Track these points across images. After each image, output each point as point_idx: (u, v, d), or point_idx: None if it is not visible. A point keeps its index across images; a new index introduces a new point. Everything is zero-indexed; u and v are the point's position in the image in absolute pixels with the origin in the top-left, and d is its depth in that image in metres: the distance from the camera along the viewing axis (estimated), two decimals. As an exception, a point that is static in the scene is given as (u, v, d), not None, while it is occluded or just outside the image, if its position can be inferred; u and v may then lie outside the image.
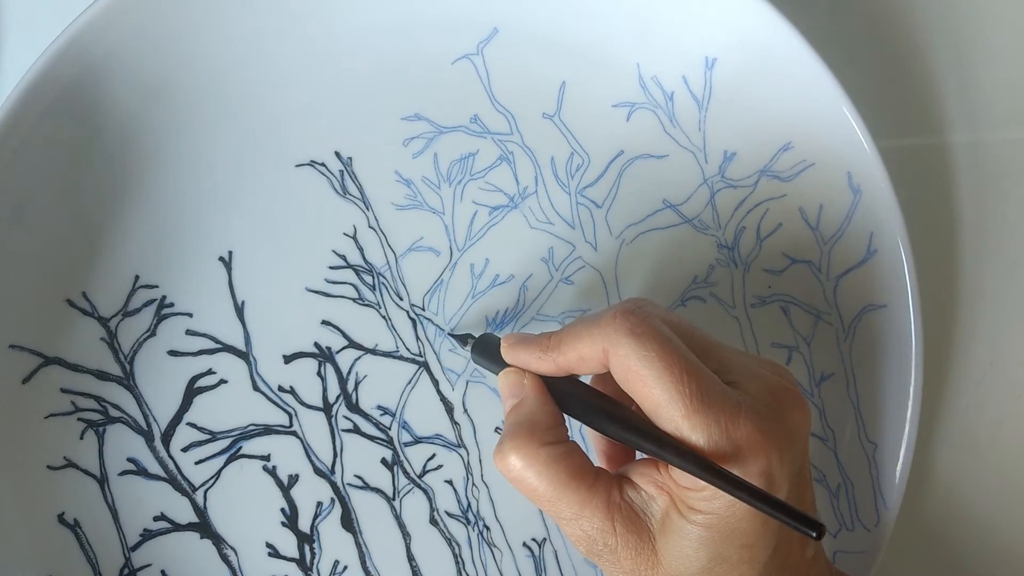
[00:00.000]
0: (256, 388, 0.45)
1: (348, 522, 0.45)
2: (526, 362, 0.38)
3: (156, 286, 0.44)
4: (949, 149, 0.51)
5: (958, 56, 0.51)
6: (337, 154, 0.46)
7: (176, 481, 0.44)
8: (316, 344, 0.45)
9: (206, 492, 0.44)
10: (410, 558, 0.45)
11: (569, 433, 0.38)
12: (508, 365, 0.40)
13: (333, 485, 0.45)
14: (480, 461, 0.46)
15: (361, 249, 0.46)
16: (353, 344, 0.46)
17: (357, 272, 0.46)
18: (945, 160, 0.51)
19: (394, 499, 0.46)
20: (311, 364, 0.45)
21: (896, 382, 0.46)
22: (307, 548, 0.45)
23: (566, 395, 0.38)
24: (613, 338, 0.34)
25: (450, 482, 0.46)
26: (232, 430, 0.45)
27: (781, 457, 0.34)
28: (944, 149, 0.51)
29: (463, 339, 0.44)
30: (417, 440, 0.46)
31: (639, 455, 0.39)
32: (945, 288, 0.51)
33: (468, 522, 0.46)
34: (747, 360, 0.37)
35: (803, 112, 0.46)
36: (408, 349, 0.46)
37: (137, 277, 0.44)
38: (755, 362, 0.37)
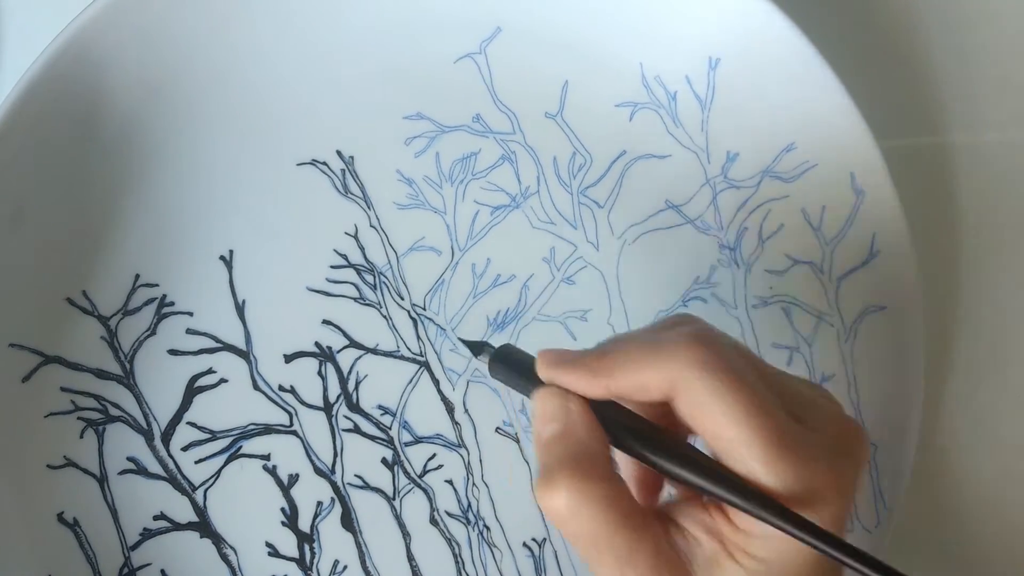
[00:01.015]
0: (256, 387, 0.45)
1: (348, 522, 0.45)
2: (570, 384, 0.34)
3: (156, 285, 0.44)
4: (952, 150, 0.51)
5: (961, 56, 0.51)
6: (339, 153, 0.45)
7: (176, 480, 0.44)
8: (317, 343, 0.45)
9: (206, 491, 0.44)
10: (410, 558, 0.45)
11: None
12: (534, 382, 0.36)
13: (333, 485, 0.45)
14: (480, 461, 0.46)
15: (362, 248, 0.46)
16: (354, 344, 0.45)
17: (358, 271, 0.45)
18: (948, 161, 0.51)
19: (394, 499, 0.45)
20: (312, 363, 0.45)
21: (897, 384, 0.46)
22: (307, 547, 0.45)
23: (612, 423, 0.34)
24: (684, 371, 0.31)
25: (450, 482, 0.46)
26: (232, 429, 0.45)
27: (851, 498, 0.32)
28: (947, 149, 0.51)
29: (476, 348, 0.41)
30: (417, 440, 0.46)
31: (666, 485, 0.38)
32: (947, 289, 0.50)
33: (468, 522, 0.46)
34: (807, 390, 0.35)
35: (806, 113, 0.46)
36: (409, 349, 0.46)
37: (137, 276, 0.44)
38: (813, 391, 0.35)
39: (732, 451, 0.31)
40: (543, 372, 0.35)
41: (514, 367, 0.38)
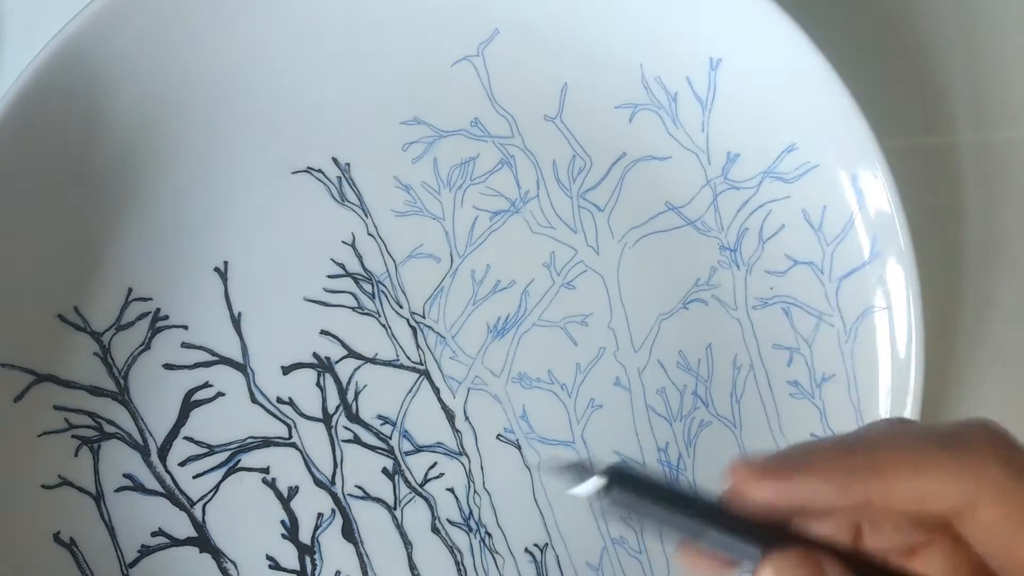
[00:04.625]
0: (254, 400, 0.44)
1: (349, 532, 0.45)
2: (807, 496, 0.25)
3: (150, 299, 0.43)
4: (954, 149, 0.51)
5: (963, 56, 0.51)
6: (335, 160, 0.45)
7: (174, 496, 0.43)
8: (315, 354, 0.45)
9: (204, 506, 0.44)
10: (412, 567, 0.45)
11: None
12: (679, 513, 0.26)
13: (333, 496, 0.45)
14: (482, 468, 0.46)
15: (360, 257, 0.45)
16: (352, 353, 0.45)
17: (356, 280, 0.45)
18: (950, 160, 0.51)
19: (395, 508, 0.45)
20: (310, 375, 0.45)
21: (898, 384, 0.46)
22: (308, 560, 0.44)
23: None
24: (995, 479, 0.24)
25: (452, 490, 0.46)
26: (230, 443, 0.44)
27: None
28: (949, 149, 0.51)
29: (574, 471, 0.27)
30: (418, 449, 0.45)
31: None
32: (948, 290, 0.51)
33: (470, 529, 0.46)
34: None
35: (808, 113, 0.45)
36: (408, 357, 0.45)
37: (130, 290, 0.43)
38: None
39: None
40: (755, 486, 0.25)
41: (650, 497, 0.27)
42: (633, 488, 0.27)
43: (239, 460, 0.44)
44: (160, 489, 0.43)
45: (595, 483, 0.27)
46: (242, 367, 0.44)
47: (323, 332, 0.45)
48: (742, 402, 0.47)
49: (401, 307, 0.45)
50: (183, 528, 0.43)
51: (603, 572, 0.46)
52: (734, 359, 0.47)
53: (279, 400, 0.44)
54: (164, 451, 0.43)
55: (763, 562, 0.25)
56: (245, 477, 0.44)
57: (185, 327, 0.44)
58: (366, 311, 0.45)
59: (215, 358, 0.44)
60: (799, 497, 0.25)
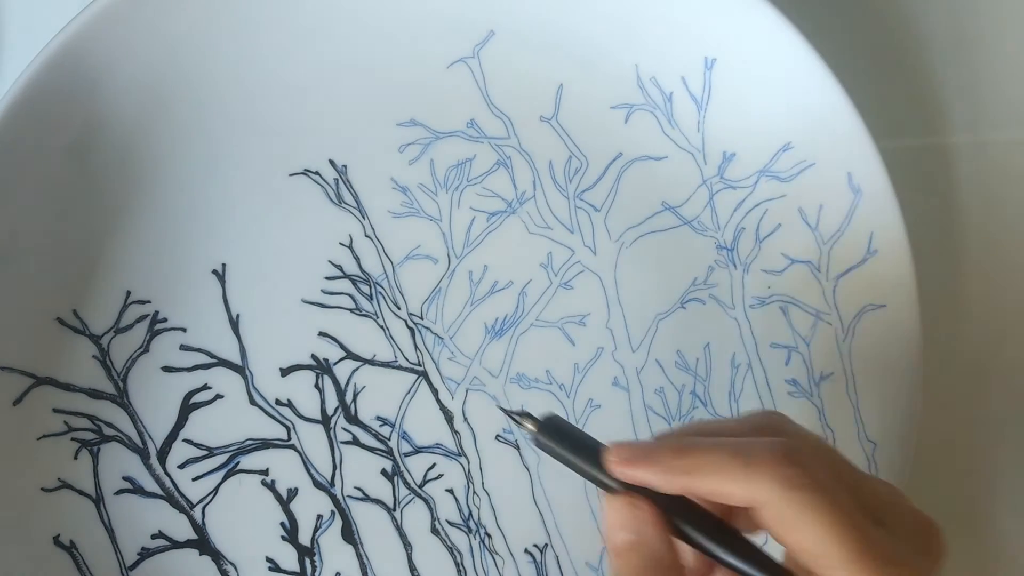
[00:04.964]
0: (253, 402, 0.44)
1: (349, 534, 0.45)
2: (645, 481, 0.33)
3: (148, 301, 0.43)
4: (950, 149, 0.51)
5: (959, 56, 0.51)
6: (331, 162, 0.45)
7: (173, 498, 0.43)
8: (313, 356, 0.45)
9: (204, 508, 0.44)
10: (412, 568, 0.45)
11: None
12: (588, 463, 0.34)
13: (333, 497, 0.45)
14: (480, 469, 0.46)
15: (357, 258, 0.45)
16: (351, 355, 0.45)
17: (354, 282, 0.45)
18: (946, 160, 0.51)
19: (395, 509, 0.45)
20: (308, 376, 0.45)
21: (896, 382, 0.46)
22: (308, 561, 0.44)
23: (683, 520, 0.34)
24: (767, 488, 0.31)
25: (451, 491, 0.46)
26: (229, 445, 0.44)
27: None
28: (945, 149, 0.51)
29: (519, 417, 0.36)
30: (417, 450, 0.45)
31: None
32: (945, 288, 0.51)
33: (469, 530, 0.46)
34: (883, 489, 0.35)
35: (803, 112, 0.45)
36: (407, 359, 0.45)
37: (128, 293, 0.43)
38: (887, 489, 0.35)
39: (818, 565, 0.31)
40: (617, 469, 0.34)
41: (567, 445, 0.35)
42: (556, 437, 0.35)
43: (238, 462, 0.44)
44: (160, 491, 0.43)
45: (530, 428, 0.35)
46: (241, 369, 0.44)
47: (321, 334, 0.45)
48: (740, 401, 0.47)
49: (399, 308, 0.45)
50: (183, 530, 0.44)
51: (603, 572, 0.46)
52: (732, 358, 0.47)
53: (278, 402, 0.44)
54: (163, 453, 0.43)
55: (607, 499, 0.34)
56: (244, 479, 0.44)
57: (184, 329, 0.44)
58: (364, 312, 0.45)
59: (214, 360, 0.44)
60: (642, 482, 0.33)
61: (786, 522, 0.31)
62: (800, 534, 0.31)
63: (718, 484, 0.32)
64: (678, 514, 0.34)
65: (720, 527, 0.34)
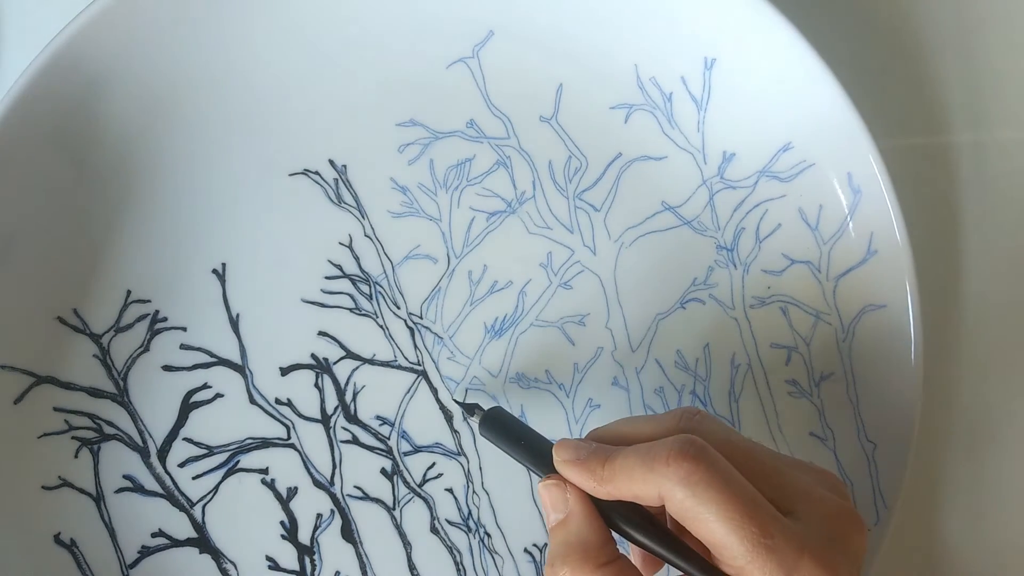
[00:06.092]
0: (253, 401, 0.44)
1: (348, 533, 0.45)
2: (578, 484, 0.37)
3: (148, 300, 0.44)
4: (950, 149, 0.51)
5: (959, 56, 0.51)
6: (331, 162, 0.45)
7: (174, 497, 0.44)
8: (313, 355, 0.45)
9: (204, 507, 0.44)
10: (411, 567, 0.45)
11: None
12: (515, 447, 0.39)
13: (333, 496, 0.45)
14: (480, 469, 0.46)
15: (357, 258, 0.45)
16: (350, 354, 0.45)
17: (353, 282, 0.45)
18: (946, 160, 0.51)
19: (394, 509, 0.45)
20: (308, 376, 0.45)
21: (896, 382, 0.46)
22: (307, 560, 0.44)
23: (617, 515, 0.36)
24: (667, 486, 0.33)
25: (450, 490, 0.46)
26: (229, 444, 0.44)
27: None
28: (945, 149, 0.51)
29: (470, 409, 0.44)
30: (417, 449, 0.45)
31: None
32: (945, 288, 0.50)
33: (469, 530, 0.46)
34: (802, 477, 0.36)
35: (803, 112, 0.45)
36: (406, 358, 0.45)
37: (129, 292, 0.43)
38: (810, 478, 0.37)
39: (721, 552, 0.33)
40: (558, 465, 0.37)
41: (502, 433, 0.41)
42: (496, 427, 0.41)
43: (238, 461, 0.44)
44: (160, 490, 0.44)
45: (475, 419, 0.43)
46: (241, 368, 0.44)
47: (321, 333, 0.45)
48: (740, 401, 0.47)
49: (399, 308, 0.45)
50: (183, 529, 0.44)
51: (602, 572, 0.46)
52: (732, 358, 0.47)
53: (278, 401, 0.44)
54: (164, 452, 0.44)
55: (540, 481, 0.38)
56: (244, 478, 0.44)
57: (184, 329, 0.44)
58: (364, 312, 0.45)
59: (214, 359, 0.44)
60: (575, 481, 0.37)
61: (689, 517, 0.33)
62: (704, 527, 0.33)
63: (629, 487, 0.35)
64: (614, 510, 0.36)
65: (665, 534, 0.36)
